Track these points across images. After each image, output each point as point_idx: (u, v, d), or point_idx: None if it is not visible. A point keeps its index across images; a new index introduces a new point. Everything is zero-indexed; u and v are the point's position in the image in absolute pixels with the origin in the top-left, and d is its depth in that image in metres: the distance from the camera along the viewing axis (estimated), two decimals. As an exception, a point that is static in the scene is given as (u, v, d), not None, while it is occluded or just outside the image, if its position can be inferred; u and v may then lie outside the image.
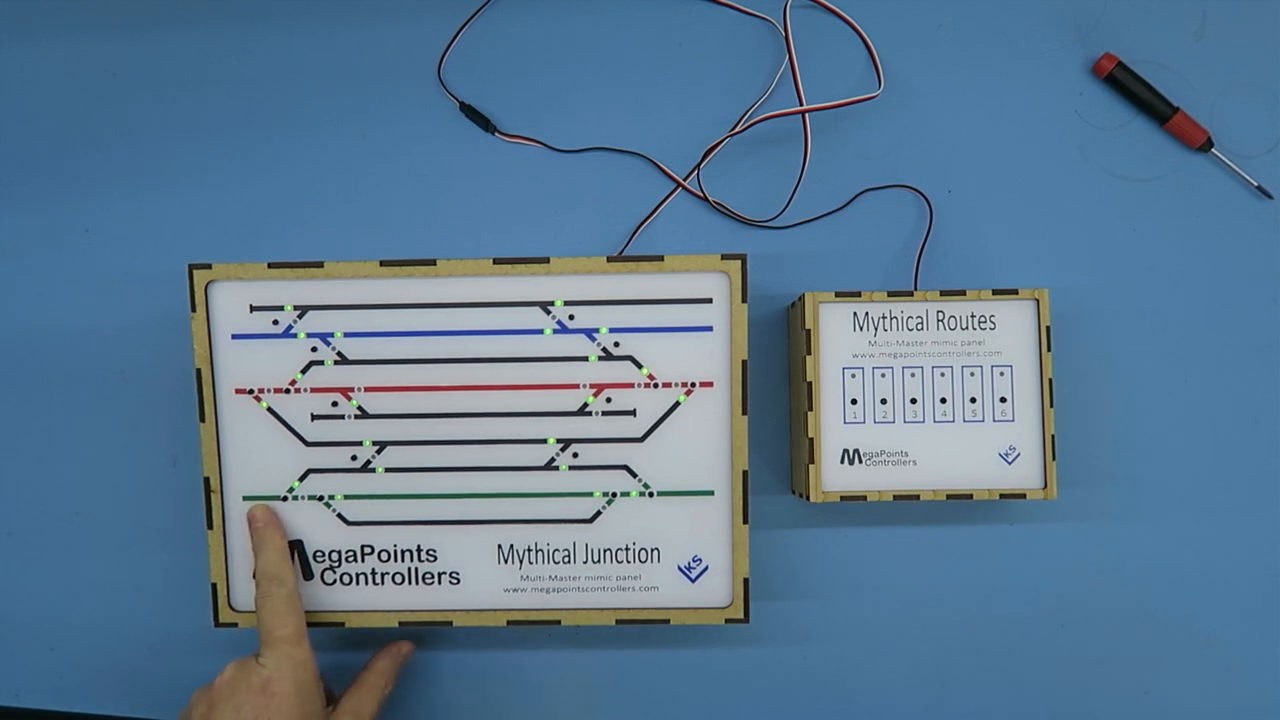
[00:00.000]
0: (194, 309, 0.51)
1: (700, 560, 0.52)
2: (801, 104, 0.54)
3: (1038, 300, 0.52)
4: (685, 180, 0.57)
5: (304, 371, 0.51)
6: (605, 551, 0.52)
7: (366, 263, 0.51)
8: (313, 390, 0.52)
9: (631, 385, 0.51)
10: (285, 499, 0.52)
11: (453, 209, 0.58)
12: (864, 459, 0.52)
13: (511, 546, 0.52)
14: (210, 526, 0.52)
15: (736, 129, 0.57)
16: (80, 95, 0.59)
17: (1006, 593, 0.56)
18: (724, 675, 0.57)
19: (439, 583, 0.52)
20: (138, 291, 0.58)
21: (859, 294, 0.52)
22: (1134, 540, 0.56)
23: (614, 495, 0.52)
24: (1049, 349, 0.51)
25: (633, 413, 0.51)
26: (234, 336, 0.51)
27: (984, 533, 0.56)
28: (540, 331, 0.51)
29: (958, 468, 0.51)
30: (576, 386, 0.51)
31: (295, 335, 0.51)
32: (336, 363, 0.51)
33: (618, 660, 0.57)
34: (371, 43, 0.58)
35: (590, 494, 0.52)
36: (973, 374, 0.52)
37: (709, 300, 0.51)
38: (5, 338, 0.58)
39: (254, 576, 0.51)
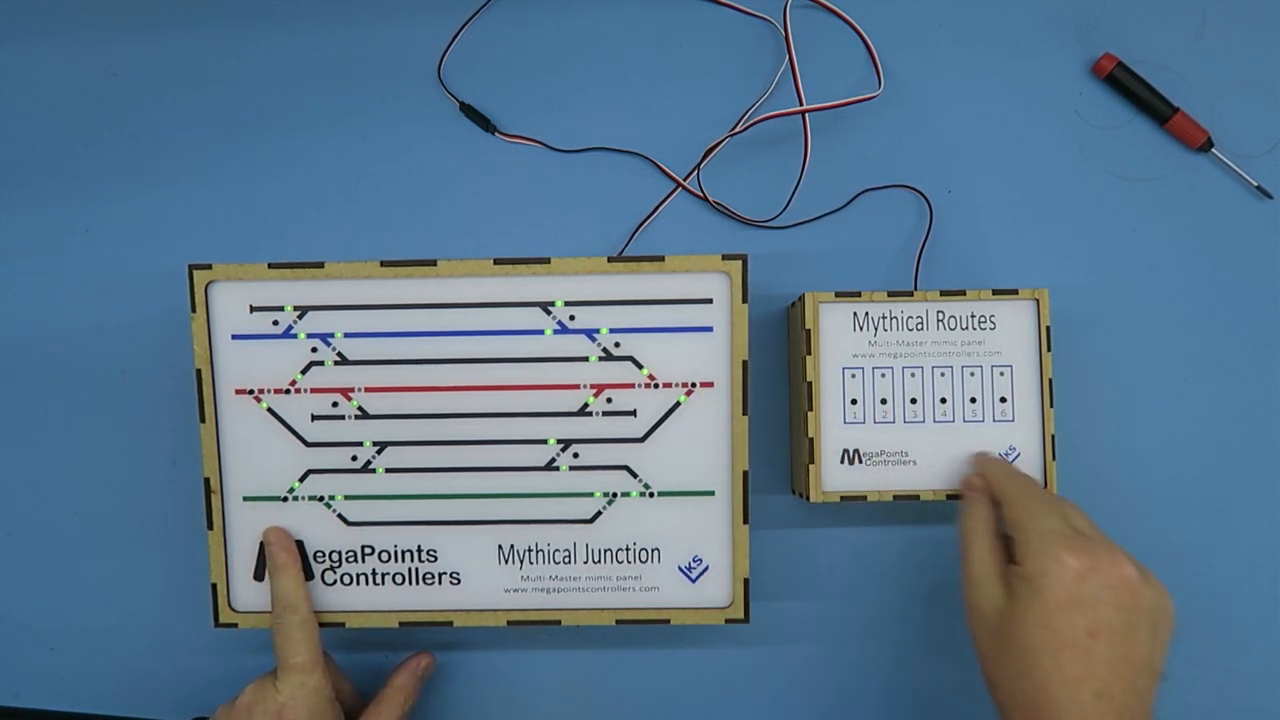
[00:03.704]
0: (194, 309, 0.51)
1: (700, 560, 0.52)
2: (801, 104, 0.54)
3: (1038, 300, 0.52)
4: (685, 180, 0.57)
5: (304, 372, 0.52)
6: (605, 552, 0.52)
7: (367, 263, 0.51)
8: (313, 391, 0.52)
9: (632, 385, 0.51)
10: (285, 499, 0.52)
11: (453, 209, 0.58)
12: (864, 459, 0.52)
13: (512, 547, 0.52)
14: (210, 527, 0.52)
15: (736, 129, 0.57)
16: (80, 95, 0.59)
17: (1006, 593, 0.56)
18: (724, 675, 0.57)
19: (439, 583, 0.52)
20: (138, 291, 0.58)
21: (859, 294, 0.52)
22: (1133, 541, 0.56)
23: (614, 495, 0.52)
24: (1049, 349, 0.51)
25: (633, 413, 0.51)
26: (234, 337, 0.51)
27: (984, 533, 0.56)
28: (541, 332, 0.51)
29: (958, 468, 0.51)
30: (577, 387, 0.51)
31: (295, 336, 0.51)
32: (337, 363, 0.51)
33: (618, 660, 0.57)
34: (371, 43, 0.58)
35: (590, 494, 0.52)
36: (973, 374, 0.52)
37: (709, 300, 0.51)
38: (5, 338, 0.58)
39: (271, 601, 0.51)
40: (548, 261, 0.51)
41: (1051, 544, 0.44)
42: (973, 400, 0.52)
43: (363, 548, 0.52)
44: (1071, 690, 0.42)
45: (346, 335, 0.51)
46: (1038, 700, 0.42)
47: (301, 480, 0.52)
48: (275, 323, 0.51)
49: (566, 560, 0.52)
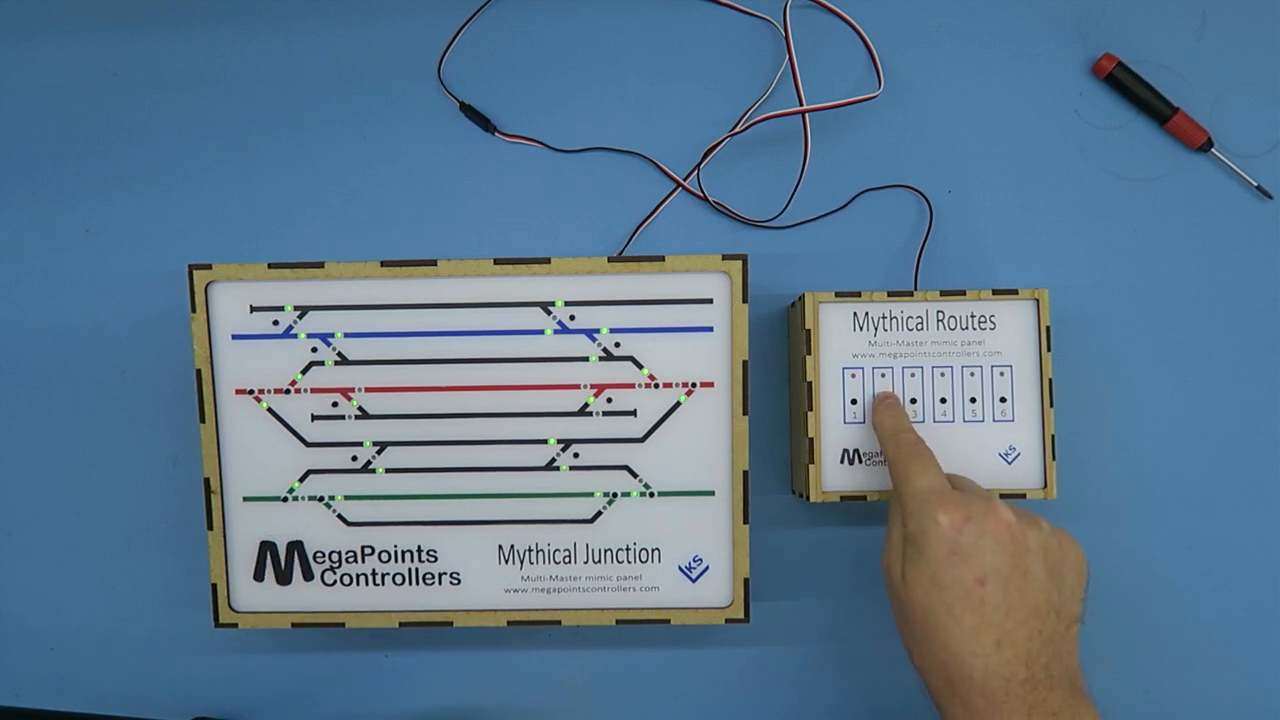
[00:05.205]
0: (194, 309, 0.51)
1: (700, 560, 0.52)
2: (801, 104, 0.54)
3: (1038, 300, 0.52)
4: (685, 180, 0.57)
5: (304, 372, 0.51)
6: (606, 551, 0.52)
7: (367, 263, 0.51)
8: (313, 391, 0.52)
9: (632, 385, 0.51)
10: (285, 499, 0.52)
11: (453, 209, 0.58)
12: (864, 459, 0.52)
13: (512, 547, 0.52)
14: (210, 526, 0.52)
15: (736, 129, 0.57)
16: (80, 95, 0.59)
17: (1006, 592, 0.56)
18: (724, 675, 0.57)
19: (439, 583, 0.52)
20: (138, 291, 0.58)
21: (859, 294, 0.52)
22: (1134, 540, 0.56)
23: (614, 495, 0.52)
24: (1049, 349, 0.51)
25: (633, 413, 0.51)
26: (234, 337, 0.51)
27: (984, 533, 0.56)
28: (541, 332, 0.51)
29: (957, 468, 0.51)
30: (577, 387, 0.51)
31: (295, 336, 0.51)
32: (337, 363, 0.51)
33: (618, 660, 0.57)
34: (371, 43, 0.58)
35: (591, 494, 0.52)
36: (973, 374, 0.52)
37: (709, 301, 0.51)
38: (5, 338, 0.58)
39: None
40: (548, 261, 0.51)
41: (926, 503, 0.44)
42: (973, 400, 0.52)
43: (363, 548, 0.52)
44: (971, 642, 0.41)
45: (346, 335, 0.51)
46: (944, 659, 0.42)
47: (301, 480, 0.52)
48: (275, 323, 0.51)
49: (567, 560, 0.52)
